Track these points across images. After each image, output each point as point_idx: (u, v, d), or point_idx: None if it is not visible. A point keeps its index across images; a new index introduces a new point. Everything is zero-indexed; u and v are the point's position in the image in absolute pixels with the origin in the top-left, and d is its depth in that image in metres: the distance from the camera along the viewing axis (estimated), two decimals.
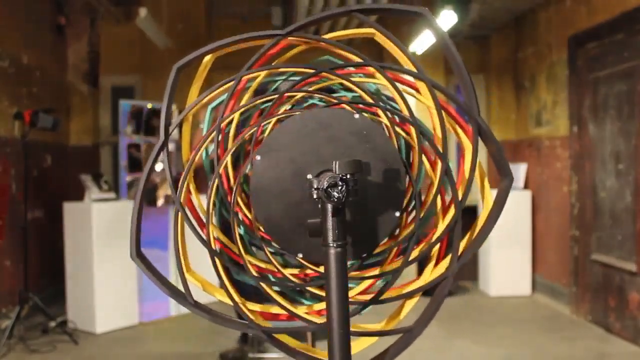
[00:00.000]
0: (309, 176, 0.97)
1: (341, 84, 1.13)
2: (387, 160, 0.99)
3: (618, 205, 4.23)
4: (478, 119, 0.99)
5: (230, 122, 1.07)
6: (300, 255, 1.00)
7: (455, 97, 1.01)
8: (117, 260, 4.51)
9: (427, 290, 1.04)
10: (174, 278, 5.01)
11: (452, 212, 1.01)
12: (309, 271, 1.07)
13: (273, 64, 1.07)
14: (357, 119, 1.00)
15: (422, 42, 5.51)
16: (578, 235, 4.76)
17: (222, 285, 1.02)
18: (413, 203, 1.04)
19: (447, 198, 1.05)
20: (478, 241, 1.01)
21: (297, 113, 1.03)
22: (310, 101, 1.15)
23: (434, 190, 1.02)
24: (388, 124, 1.07)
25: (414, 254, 1.03)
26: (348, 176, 0.86)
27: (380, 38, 1.04)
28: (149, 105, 4.92)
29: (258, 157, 0.99)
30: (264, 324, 1.03)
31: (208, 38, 6.35)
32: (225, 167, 1.06)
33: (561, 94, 5.09)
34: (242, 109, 1.07)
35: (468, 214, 1.02)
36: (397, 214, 1.00)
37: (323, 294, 1.04)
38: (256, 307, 1.05)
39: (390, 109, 1.07)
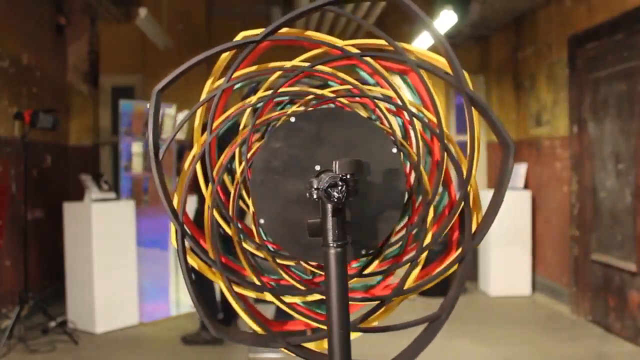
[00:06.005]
0: (309, 176, 0.97)
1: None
2: (387, 159, 0.99)
3: (618, 206, 4.23)
4: (467, 91, 0.98)
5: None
6: (304, 257, 1.00)
7: (442, 73, 0.99)
8: (117, 260, 4.51)
9: (425, 291, 1.04)
10: (174, 277, 5.01)
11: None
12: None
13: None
14: (357, 119, 1.00)
15: (422, 42, 5.51)
16: (578, 235, 4.76)
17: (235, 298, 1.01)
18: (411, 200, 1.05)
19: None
20: (487, 221, 0.98)
21: (295, 113, 1.03)
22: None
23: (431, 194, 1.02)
24: (383, 118, 1.07)
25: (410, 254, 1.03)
26: (348, 176, 0.86)
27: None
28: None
29: (257, 160, 0.99)
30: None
31: (208, 38, 6.35)
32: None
33: (561, 94, 5.09)
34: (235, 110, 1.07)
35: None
36: (398, 212, 1.00)
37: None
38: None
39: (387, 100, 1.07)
